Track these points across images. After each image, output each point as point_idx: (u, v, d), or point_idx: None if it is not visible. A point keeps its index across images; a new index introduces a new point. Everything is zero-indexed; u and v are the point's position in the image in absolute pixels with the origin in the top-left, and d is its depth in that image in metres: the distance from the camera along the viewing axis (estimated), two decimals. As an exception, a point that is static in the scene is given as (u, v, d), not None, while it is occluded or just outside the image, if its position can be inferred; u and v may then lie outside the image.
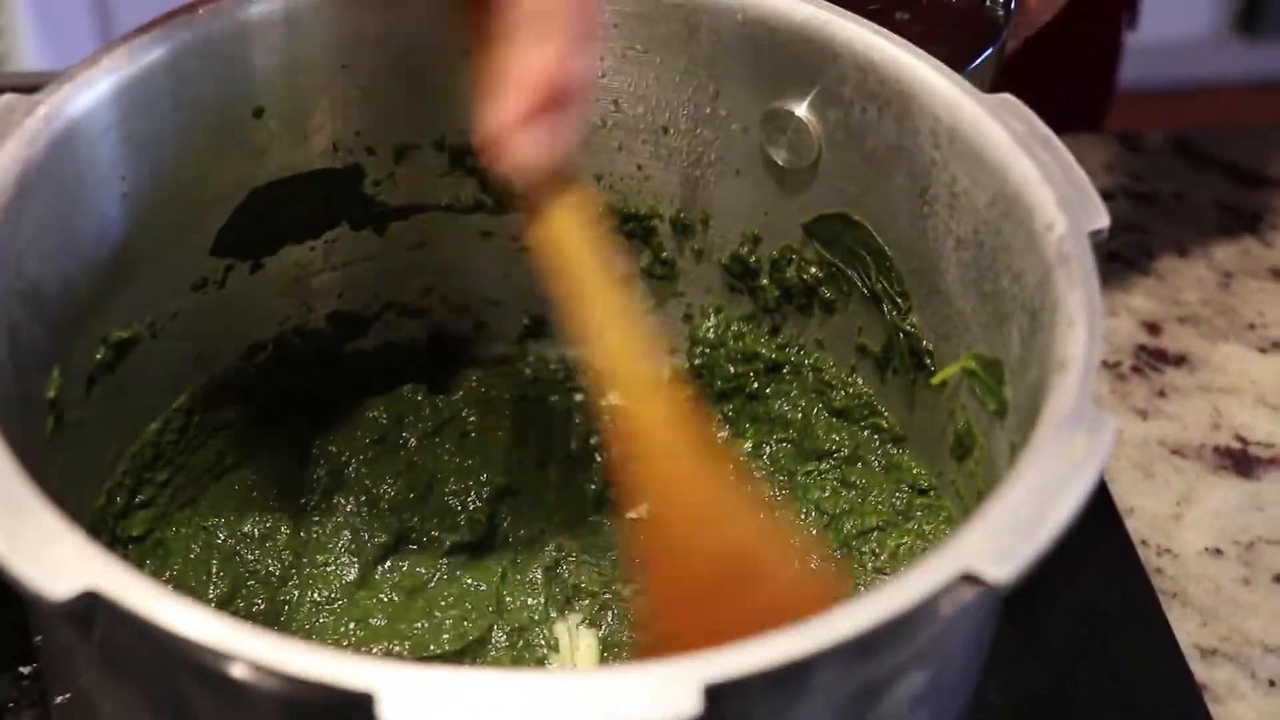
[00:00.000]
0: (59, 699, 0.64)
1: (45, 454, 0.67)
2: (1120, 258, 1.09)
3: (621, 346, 0.64)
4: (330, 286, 0.83)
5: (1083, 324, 0.60)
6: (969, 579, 0.52)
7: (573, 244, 0.64)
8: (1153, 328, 1.04)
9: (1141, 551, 0.90)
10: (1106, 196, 1.11)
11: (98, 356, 0.72)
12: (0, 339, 0.61)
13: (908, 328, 0.76)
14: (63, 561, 0.50)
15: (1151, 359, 1.02)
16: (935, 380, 0.75)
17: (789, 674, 0.50)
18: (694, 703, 0.48)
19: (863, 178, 0.75)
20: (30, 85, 0.67)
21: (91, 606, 0.50)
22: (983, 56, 0.81)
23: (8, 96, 0.66)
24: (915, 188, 0.72)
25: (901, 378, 0.78)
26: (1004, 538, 0.53)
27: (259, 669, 0.49)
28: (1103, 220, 0.64)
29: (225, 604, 0.78)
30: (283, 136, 0.76)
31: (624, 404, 0.64)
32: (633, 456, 0.64)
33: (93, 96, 0.67)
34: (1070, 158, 0.67)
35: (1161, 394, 1.00)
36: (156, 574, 0.77)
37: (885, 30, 0.73)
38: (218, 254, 0.77)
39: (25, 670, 0.78)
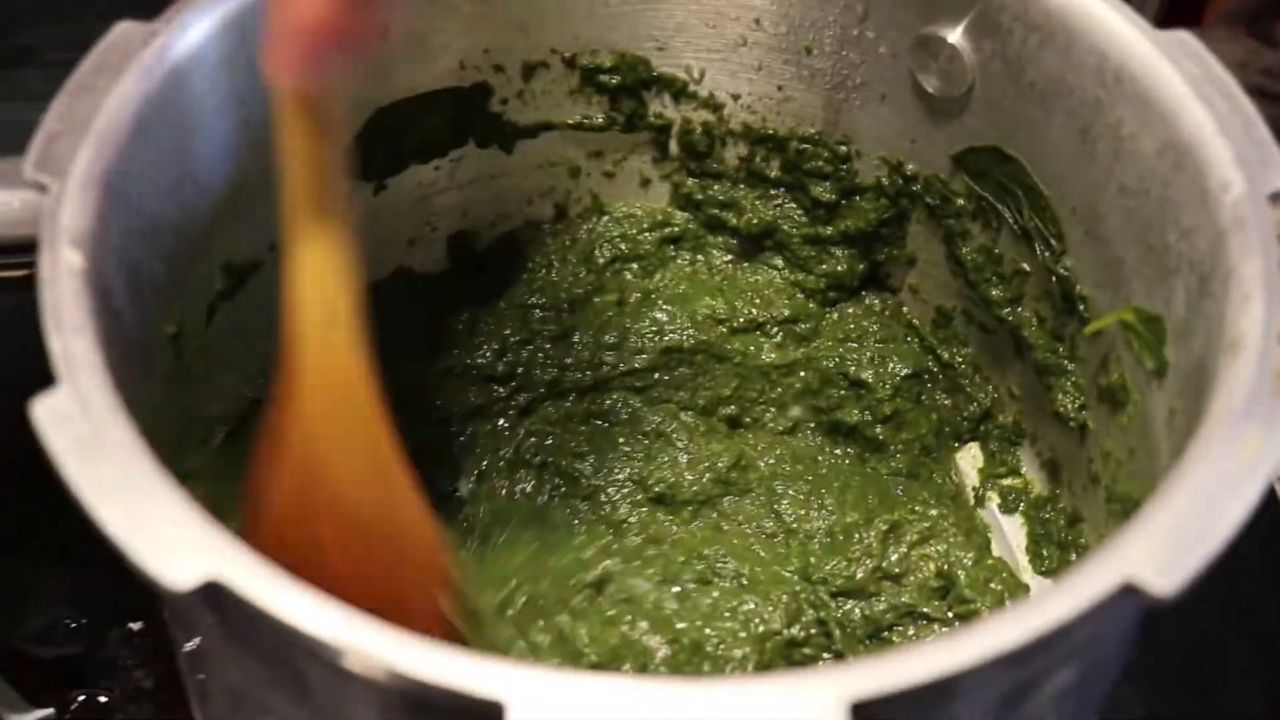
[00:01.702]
0: (187, 647, 0.63)
1: (167, 391, 0.66)
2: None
3: (317, 269, 0.61)
4: (454, 205, 0.80)
5: (1259, 300, 0.56)
6: (1131, 589, 0.49)
7: (310, 161, 0.60)
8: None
9: (1281, 490, 0.86)
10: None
11: (218, 286, 0.70)
12: (120, 282, 0.59)
13: (1061, 270, 0.72)
14: (184, 549, 0.48)
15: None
16: (1088, 330, 0.71)
17: (940, 687, 0.47)
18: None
19: (1019, 111, 0.71)
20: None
21: (213, 594, 0.48)
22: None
23: (123, 25, 0.63)
24: (1076, 127, 0.68)
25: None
26: (1168, 546, 0.49)
27: (383, 669, 0.47)
28: (1286, 180, 0.60)
29: None
30: (407, 56, 0.73)
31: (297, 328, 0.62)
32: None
33: (210, 23, 0.65)
34: (1250, 108, 0.62)
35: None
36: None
37: (1049, -46, 0.68)
38: (340, 175, 0.75)
39: (135, 627, 0.78)
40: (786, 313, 0.83)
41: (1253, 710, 0.79)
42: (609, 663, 0.71)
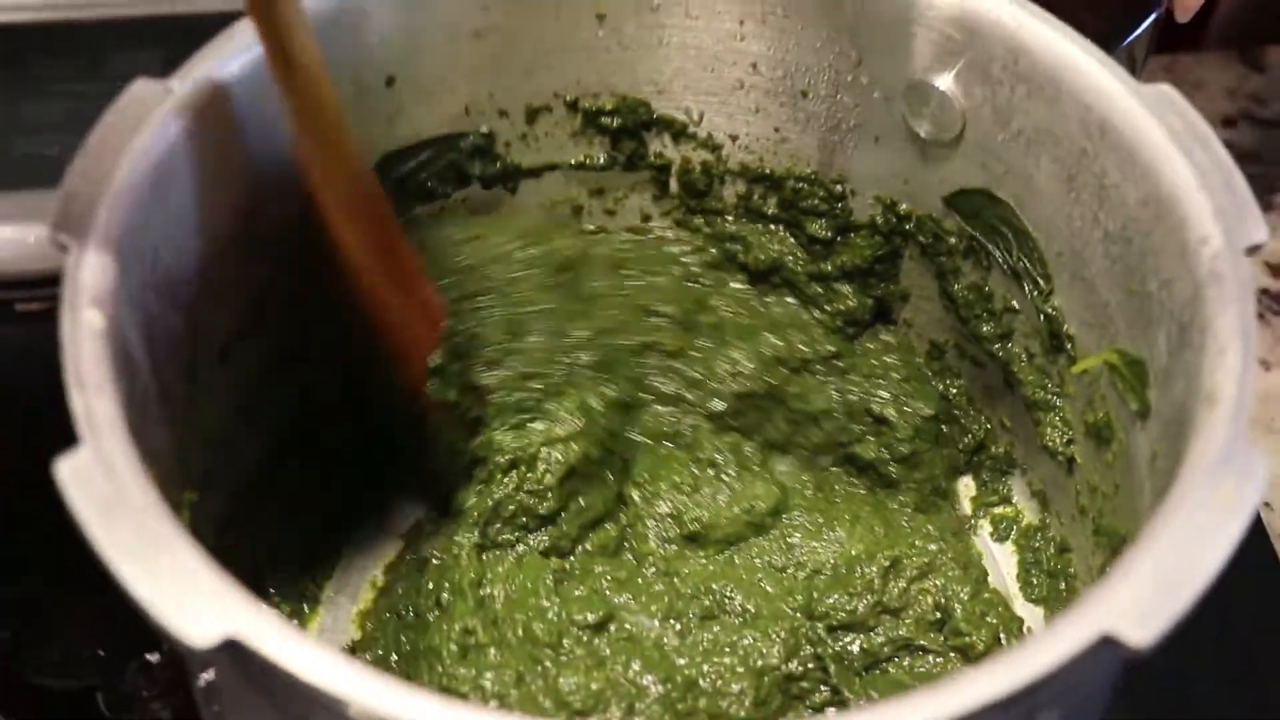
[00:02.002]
0: (201, 680, 0.65)
1: (182, 432, 0.68)
2: (1242, 192, 1.05)
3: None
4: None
5: (1235, 352, 0.58)
6: (1109, 641, 0.51)
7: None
8: (1276, 270, 1.01)
9: (1265, 515, 0.88)
10: (1228, 123, 1.08)
11: (238, 325, 0.72)
12: (136, 335, 0.61)
13: (1049, 310, 0.74)
14: (204, 608, 0.50)
15: (1274, 303, 0.99)
16: (1076, 369, 0.73)
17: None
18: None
19: (1008, 157, 0.73)
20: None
21: (232, 650, 0.50)
22: (1140, 28, 0.77)
23: (140, 82, 0.65)
24: (1063, 174, 0.70)
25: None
26: (1146, 597, 0.52)
27: (390, 722, 0.49)
28: (1261, 235, 0.62)
29: None
30: (414, 103, 0.75)
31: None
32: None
33: (225, 77, 0.67)
34: (1230, 161, 0.64)
35: (1284, 341, 0.97)
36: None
37: (1038, 9, 0.70)
38: (348, 217, 0.77)
39: (152, 659, 0.80)
40: (830, 349, 0.85)
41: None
42: (592, 708, 0.72)
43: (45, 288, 0.92)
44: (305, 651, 0.50)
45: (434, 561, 0.78)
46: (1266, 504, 0.89)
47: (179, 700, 0.78)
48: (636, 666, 0.73)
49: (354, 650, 0.77)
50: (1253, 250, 0.61)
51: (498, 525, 0.79)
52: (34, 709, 0.78)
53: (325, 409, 0.81)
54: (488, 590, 0.76)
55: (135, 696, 0.79)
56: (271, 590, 0.77)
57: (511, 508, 0.79)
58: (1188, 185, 0.63)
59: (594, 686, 0.72)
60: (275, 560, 0.78)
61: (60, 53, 1.03)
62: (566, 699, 0.72)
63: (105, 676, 0.79)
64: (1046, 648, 0.51)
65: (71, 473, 0.53)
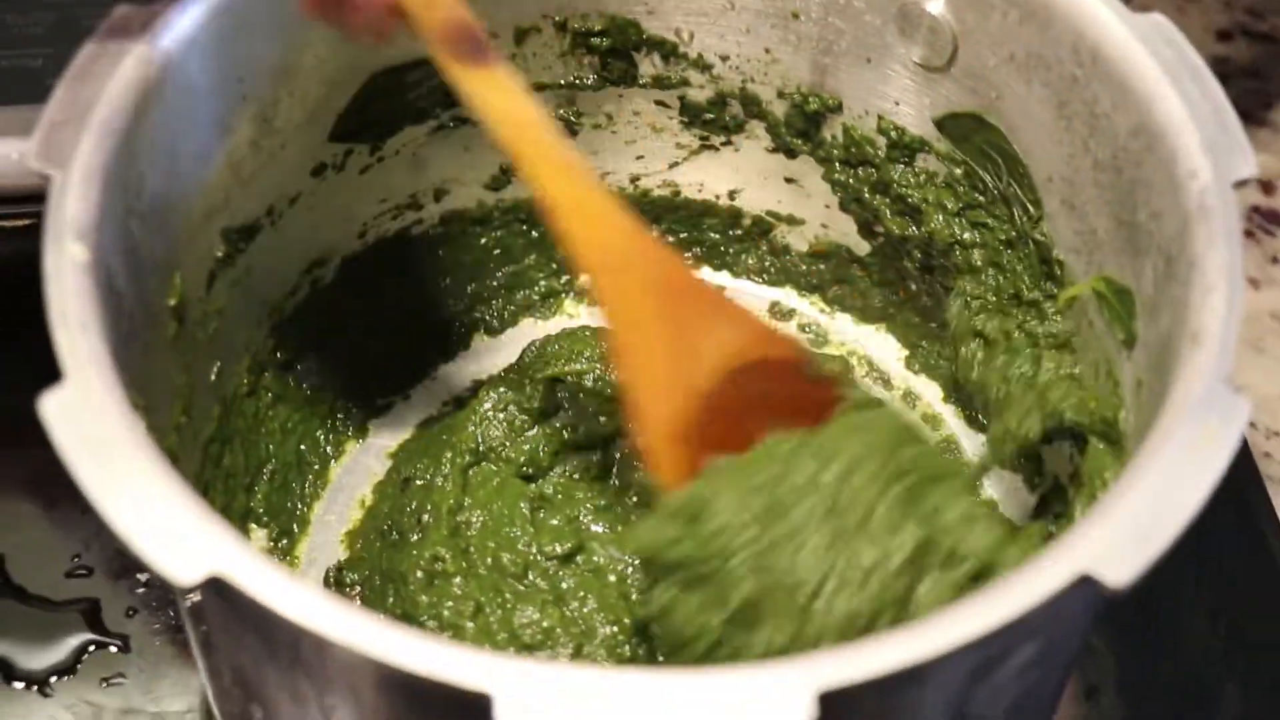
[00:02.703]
0: (189, 600, 0.66)
1: (173, 358, 0.68)
2: (1236, 108, 1.04)
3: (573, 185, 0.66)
4: (450, 164, 0.82)
5: (1221, 290, 0.58)
6: (1087, 580, 0.52)
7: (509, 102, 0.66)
8: (1267, 186, 1.01)
9: (1249, 434, 0.89)
10: (1224, 36, 1.08)
11: (217, 253, 0.72)
12: (121, 264, 0.61)
13: (1038, 236, 0.74)
14: (189, 546, 0.51)
15: (1265, 221, 0.99)
16: (1063, 295, 0.73)
17: (905, 676, 0.50)
18: (807, 710, 0.48)
19: (999, 82, 0.73)
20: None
21: (217, 588, 0.51)
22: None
23: (123, 7, 0.65)
24: (1054, 100, 0.70)
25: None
26: (1123, 540, 0.52)
27: (375, 662, 0.49)
28: (1250, 168, 0.62)
29: None
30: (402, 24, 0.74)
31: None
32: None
33: (206, 3, 0.66)
34: (1221, 93, 0.64)
35: (1275, 260, 0.97)
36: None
37: (1030, -68, 0.69)
38: (336, 139, 0.77)
39: (143, 578, 0.81)
40: None
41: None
42: (541, 644, 0.73)
43: (29, 204, 0.92)
44: (285, 588, 0.50)
45: (418, 482, 0.78)
46: (1252, 424, 0.90)
47: (169, 617, 0.80)
48: (592, 605, 0.74)
49: (341, 570, 0.78)
50: (1241, 184, 0.61)
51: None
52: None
53: (298, 336, 0.81)
54: (464, 516, 0.76)
55: (127, 614, 0.80)
56: (261, 512, 0.78)
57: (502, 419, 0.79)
58: (1178, 117, 0.63)
59: (546, 624, 0.73)
60: (264, 482, 0.78)
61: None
62: (518, 633, 0.72)
63: (100, 593, 0.81)
64: (1027, 587, 0.51)
65: (56, 410, 0.53)
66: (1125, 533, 0.52)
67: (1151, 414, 0.58)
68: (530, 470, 0.78)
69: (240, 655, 0.63)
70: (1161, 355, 0.61)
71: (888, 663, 0.49)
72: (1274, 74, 1.07)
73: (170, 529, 0.51)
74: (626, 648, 0.72)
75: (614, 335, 0.68)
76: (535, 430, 0.79)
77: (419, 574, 0.74)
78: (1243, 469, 0.87)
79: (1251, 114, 1.05)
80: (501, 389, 0.79)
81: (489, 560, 0.74)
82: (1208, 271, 0.59)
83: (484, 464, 0.78)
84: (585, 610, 0.74)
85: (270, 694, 0.63)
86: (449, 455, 0.78)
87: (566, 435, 0.79)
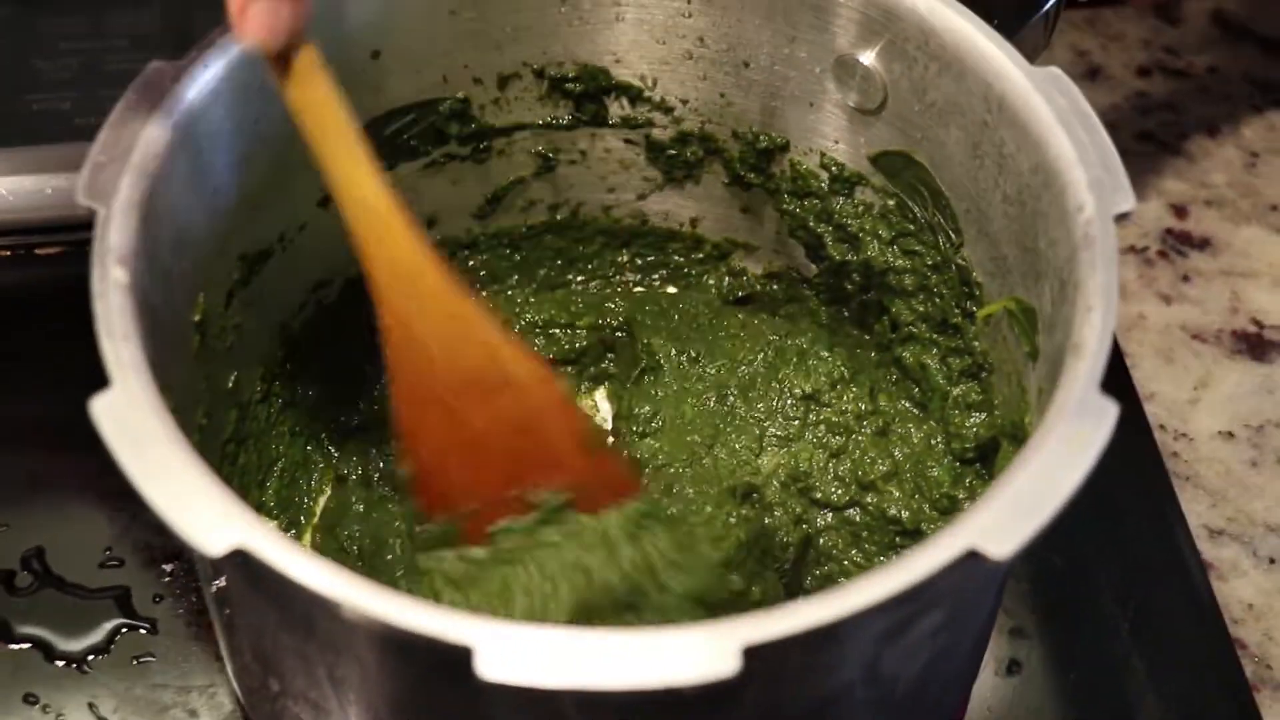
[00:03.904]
0: (215, 586, 0.75)
1: (195, 368, 0.78)
2: (1153, 138, 1.15)
3: (351, 183, 0.73)
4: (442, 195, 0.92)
5: (1099, 310, 0.67)
6: (973, 555, 0.61)
7: (316, 104, 0.72)
8: (1180, 211, 1.10)
9: (1159, 437, 0.98)
10: (1143, 72, 1.18)
11: (235, 275, 0.81)
12: (155, 285, 0.71)
13: (959, 260, 0.84)
14: (216, 523, 0.60)
15: (1177, 243, 1.09)
16: (980, 314, 0.83)
17: (817, 635, 0.59)
18: (734, 663, 0.57)
19: (923, 125, 0.82)
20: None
21: (240, 559, 0.60)
22: (1042, 10, 0.86)
23: (155, 64, 0.74)
24: (969, 141, 0.79)
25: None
26: (1006, 519, 0.61)
27: (376, 621, 0.59)
28: (1129, 203, 0.71)
29: None
30: (398, 74, 0.84)
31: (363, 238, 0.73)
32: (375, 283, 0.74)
33: (227, 58, 0.75)
34: (1106, 138, 0.73)
35: (1185, 278, 1.07)
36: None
37: (949, -4, 0.79)
38: (339, 174, 0.86)
39: (168, 568, 0.91)
40: None
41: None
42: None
43: (61, 233, 1.02)
44: (300, 559, 0.60)
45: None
46: (1161, 426, 1.00)
47: (191, 605, 0.89)
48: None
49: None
50: (1121, 217, 0.71)
51: None
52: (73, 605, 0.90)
53: (305, 348, 0.91)
54: None
55: (154, 601, 0.90)
56: (272, 505, 0.87)
57: None
58: (1069, 158, 0.72)
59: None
60: (275, 478, 0.88)
61: (66, 12, 1.11)
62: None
63: (128, 583, 0.90)
64: (924, 560, 0.60)
65: (104, 410, 0.62)
66: (1007, 514, 0.61)
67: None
68: None
69: (259, 631, 0.73)
70: (1055, 365, 0.70)
71: (801, 622, 0.58)
72: (1189, 107, 1.17)
73: (201, 509, 0.60)
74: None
75: (391, 349, 0.76)
76: None
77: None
78: (1152, 467, 0.97)
79: (1168, 144, 1.15)
80: None
81: None
82: (1089, 292, 0.68)
83: None
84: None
85: (285, 667, 0.72)
86: None
87: None
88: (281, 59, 0.70)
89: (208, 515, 0.60)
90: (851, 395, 0.92)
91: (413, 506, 0.80)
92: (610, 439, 0.91)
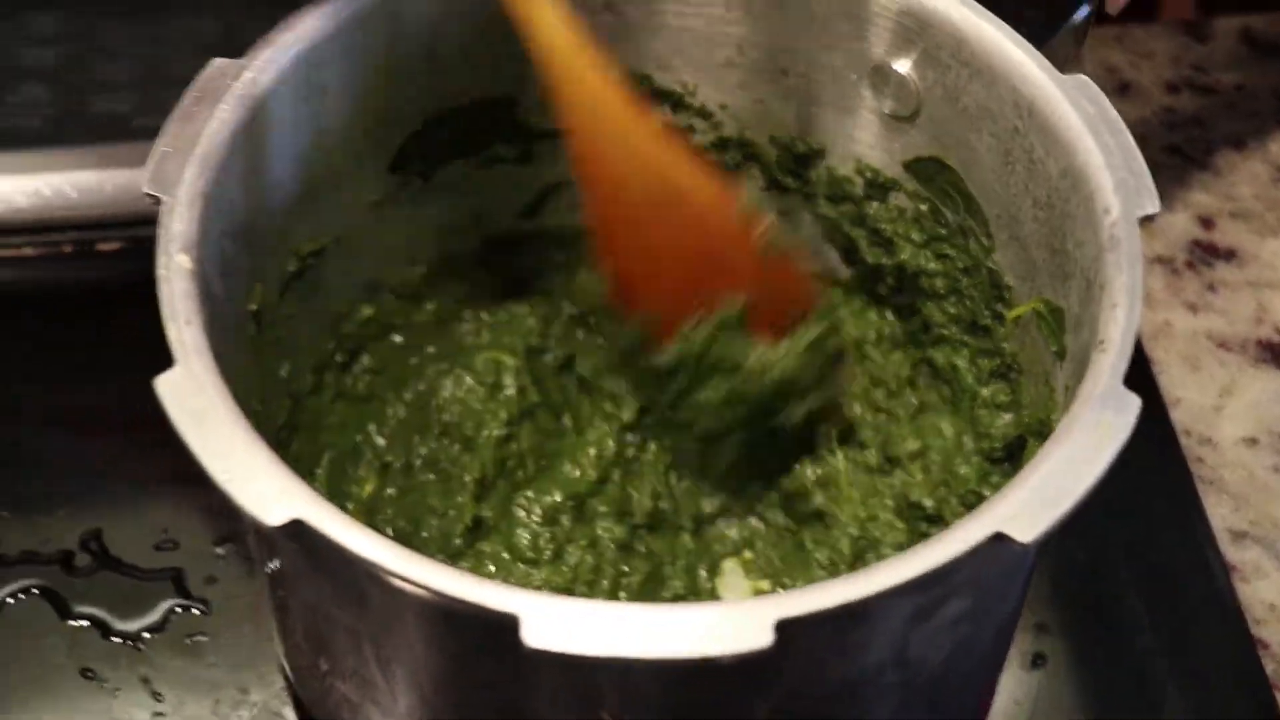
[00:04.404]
0: (269, 567, 0.78)
1: (251, 356, 0.81)
2: (1180, 152, 1.18)
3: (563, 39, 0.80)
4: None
5: (1123, 307, 0.70)
6: (1000, 537, 0.63)
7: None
8: (1207, 223, 1.13)
9: (1184, 442, 1.01)
10: (1172, 89, 1.21)
11: (290, 268, 0.85)
12: (216, 274, 0.74)
13: (990, 264, 0.86)
14: (275, 496, 0.63)
15: (1204, 254, 1.11)
16: (1010, 314, 0.85)
17: (846, 611, 0.62)
18: (767, 636, 0.60)
19: (956, 131, 0.85)
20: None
21: (297, 530, 0.63)
22: (1069, 22, 0.89)
23: (217, 62, 0.77)
24: (1000, 147, 0.82)
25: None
26: (1033, 505, 0.63)
27: (425, 588, 0.62)
28: (1154, 206, 0.73)
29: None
30: (450, 76, 0.87)
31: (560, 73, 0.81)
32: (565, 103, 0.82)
33: (288, 58, 0.79)
34: (1132, 143, 0.76)
35: (1211, 288, 1.10)
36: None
37: (978, 5, 0.81)
38: (394, 170, 0.90)
39: (221, 551, 0.95)
40: None
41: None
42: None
43: (121, 229, 1.06)
44: (353, 529, 0.63)
45: None
46: (1186, 431, 1.02)
47: (244, 584, 0.93)
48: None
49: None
50: (1146, 220, 0.73)
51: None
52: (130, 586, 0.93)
53: (355, 343, 0.94)
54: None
55: (207, 582, 0.93)
56: (323, 494, 0.90)
57: None
58: (1096, 163, 0.75)
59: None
60: (324, 466, 0.91)
61: (128, 17, 1.16)
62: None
63: (184, 564, 0.94)
64: (952, 542, 0.63)
65: (168, 388, 0.65)
66: (1033, 500, 0.64)
67: (1070, 412, 0.70)
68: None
69: (311, 609, 0.76)
70: (1081, 362, 0.73)
71: (832, 599, 0.61)
72: (1216, 122, 1.20)
73: (261, 483, 0.63)
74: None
75: (583, 171, 0.85)
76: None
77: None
78: (1177, 471, 1.00)
79: (1195, 158, 1.17)
80: None
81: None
82: (1114, 291, 0.71)
83: None
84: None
85: (335, 646, 0.75)
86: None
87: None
88: None
89: (267, 488, 0.63)
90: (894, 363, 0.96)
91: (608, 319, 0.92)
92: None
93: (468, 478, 0.91)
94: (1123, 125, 0.76)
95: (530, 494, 0.91)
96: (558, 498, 0.90)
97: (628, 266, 0.87)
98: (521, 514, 0.90)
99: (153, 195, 0.73)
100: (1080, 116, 0.77)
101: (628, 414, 0.94)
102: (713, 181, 0.86)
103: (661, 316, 0.87)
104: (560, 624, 0.60)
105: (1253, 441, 1.02)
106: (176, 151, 0.74)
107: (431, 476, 0.92)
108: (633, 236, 0.86)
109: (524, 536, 0.89)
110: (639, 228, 0.86)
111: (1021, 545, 0.63)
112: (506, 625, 0.60)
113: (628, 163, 0.83)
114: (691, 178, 0.85)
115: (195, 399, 0.66)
